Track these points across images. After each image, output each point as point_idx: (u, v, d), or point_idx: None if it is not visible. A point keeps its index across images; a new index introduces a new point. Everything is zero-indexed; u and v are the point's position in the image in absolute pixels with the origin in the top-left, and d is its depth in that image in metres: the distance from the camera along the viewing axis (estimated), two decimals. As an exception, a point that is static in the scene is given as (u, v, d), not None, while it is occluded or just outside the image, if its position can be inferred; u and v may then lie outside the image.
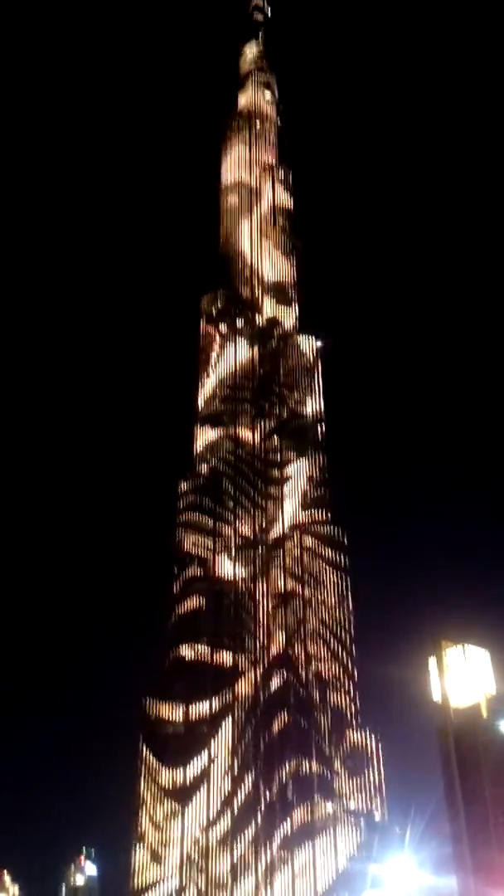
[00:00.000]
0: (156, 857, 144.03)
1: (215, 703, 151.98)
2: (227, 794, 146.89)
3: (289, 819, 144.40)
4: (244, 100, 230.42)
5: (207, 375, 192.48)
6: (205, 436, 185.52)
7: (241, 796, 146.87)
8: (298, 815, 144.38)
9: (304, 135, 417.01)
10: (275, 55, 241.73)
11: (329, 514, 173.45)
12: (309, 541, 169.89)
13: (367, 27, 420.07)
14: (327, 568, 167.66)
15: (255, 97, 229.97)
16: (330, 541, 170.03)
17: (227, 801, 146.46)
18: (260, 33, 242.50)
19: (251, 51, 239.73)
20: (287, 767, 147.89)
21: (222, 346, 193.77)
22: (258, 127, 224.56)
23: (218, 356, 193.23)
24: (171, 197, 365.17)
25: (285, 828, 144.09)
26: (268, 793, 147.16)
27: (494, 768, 61.91)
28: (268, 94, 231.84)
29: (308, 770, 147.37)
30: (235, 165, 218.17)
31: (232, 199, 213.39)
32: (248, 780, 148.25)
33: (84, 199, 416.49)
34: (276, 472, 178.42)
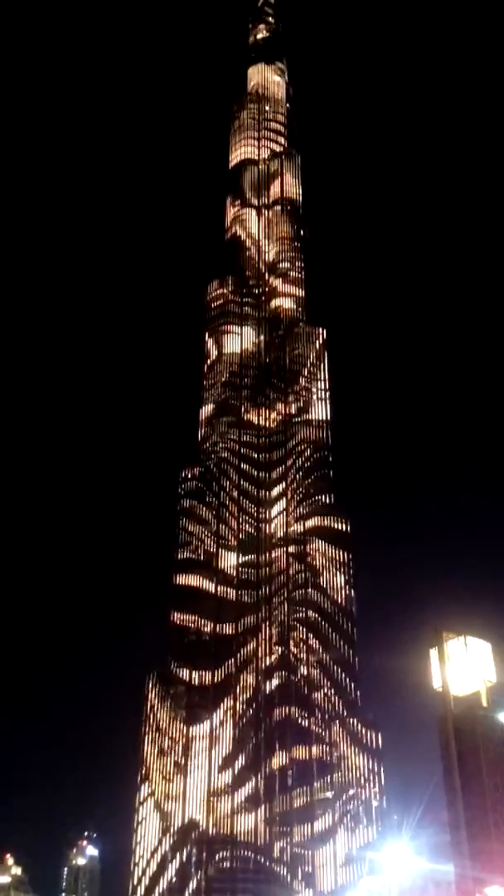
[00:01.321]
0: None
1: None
2: (227, 782, 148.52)
3: (290, 802, 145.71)
4: (253, 82, 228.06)
5: (213, 362, 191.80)
6: (209, 421, 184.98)
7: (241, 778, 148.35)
8: (300, 801, 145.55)
9: (314, 118, 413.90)
10: (285, 36, 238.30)
11: (333, 504, 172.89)
12: (312, 530, 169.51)
13: (380, 7, 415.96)
14: (330, 557, 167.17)
15: (265, 79, 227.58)
16: (333, 530, 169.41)
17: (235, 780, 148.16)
18: (271, 13, 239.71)
19: (261, 31, 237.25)
20: (286, 755, 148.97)
21: (228, 333, 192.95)
22: (267, 110, 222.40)
23: (224, 343, 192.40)
24: (178, 181, 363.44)
25: (287, 819, 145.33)
26: (264, 783, 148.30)
27: (493, 757, 62.08)
28: (277, 76, 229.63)
29: (308, 756, 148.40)
30: (243, 149, 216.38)
31: (239, 185, 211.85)
32: (246, 761, 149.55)
33: (91, 183, 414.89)
34: (280, 460, 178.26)
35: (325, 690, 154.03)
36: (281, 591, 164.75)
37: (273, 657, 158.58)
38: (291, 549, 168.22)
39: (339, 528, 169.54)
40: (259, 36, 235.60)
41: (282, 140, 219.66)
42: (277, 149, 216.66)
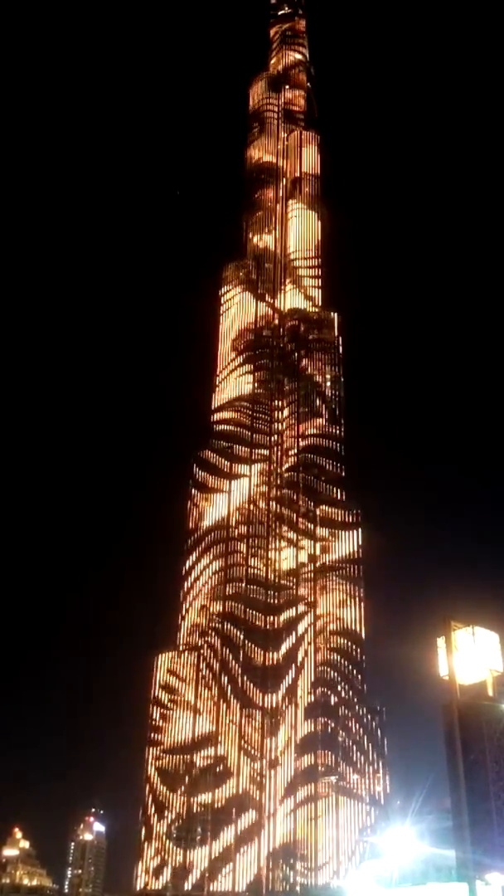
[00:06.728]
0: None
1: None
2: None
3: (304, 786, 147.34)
4: (274, 60, 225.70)
5: (227, 344, 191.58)
6: (221, 405, 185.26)
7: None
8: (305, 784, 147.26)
9: (336, 99, 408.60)
10: (308, 13, 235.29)
11: (343, 493, 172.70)
12: (322, 519, 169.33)
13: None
14: (339, 546, 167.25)
15: (286, 58, 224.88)
16: (343, 518, 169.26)
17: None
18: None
19: (283, 9, 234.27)
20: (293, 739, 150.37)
21: (243, 317, 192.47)
22: (288, 90, 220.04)
23: (239, 326, 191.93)
24: (197, 163, 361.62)
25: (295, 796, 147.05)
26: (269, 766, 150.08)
27: (497, 745, 62.40)
28: (298, 55, 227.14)
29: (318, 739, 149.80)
30: (263, 131, 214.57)
31: (258, 169, 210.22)
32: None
33: (112, 165, 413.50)
34: (290, 446, 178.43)
35: (332, 678, 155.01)
36: (291, 579, 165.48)
37: (283, 644, 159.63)
38: (301, 535, 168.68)
39: (349, 516, 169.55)
40: (281, 13, 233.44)
41: (302, 122, 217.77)
42: (298, 131, 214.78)
